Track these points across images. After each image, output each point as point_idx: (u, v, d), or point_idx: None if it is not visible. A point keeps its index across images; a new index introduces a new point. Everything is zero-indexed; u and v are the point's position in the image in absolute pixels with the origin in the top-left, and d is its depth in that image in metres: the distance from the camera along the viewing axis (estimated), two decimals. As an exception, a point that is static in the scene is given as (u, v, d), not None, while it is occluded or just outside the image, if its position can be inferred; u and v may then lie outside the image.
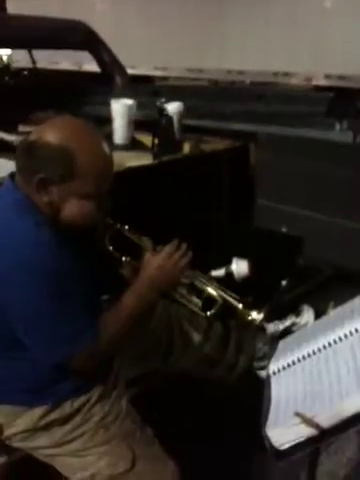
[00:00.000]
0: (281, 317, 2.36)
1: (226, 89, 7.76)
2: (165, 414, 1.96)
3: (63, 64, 8.50)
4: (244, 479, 2.00)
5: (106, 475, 1.48)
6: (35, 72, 4.74)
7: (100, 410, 1.48)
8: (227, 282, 2.01)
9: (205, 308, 1.66)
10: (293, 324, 2.34)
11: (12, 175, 1.40)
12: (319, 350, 1.34)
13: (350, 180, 4.86)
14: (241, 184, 2.87)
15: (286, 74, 7.34)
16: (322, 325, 1.46)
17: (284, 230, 2.68)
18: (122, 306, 1.45)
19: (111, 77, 3.78)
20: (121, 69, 3.87)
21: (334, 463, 2.06)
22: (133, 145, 2.53)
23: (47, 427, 1.46)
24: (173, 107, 2.51)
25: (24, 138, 1.39)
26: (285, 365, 1.38)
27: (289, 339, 1.56)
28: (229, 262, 2.30)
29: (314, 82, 7.17)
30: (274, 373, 1.38)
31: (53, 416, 1.45)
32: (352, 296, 1.48)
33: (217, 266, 2.29)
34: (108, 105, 2.52)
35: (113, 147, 2.32)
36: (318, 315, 2.34)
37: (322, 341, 1.35)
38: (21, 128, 2.53)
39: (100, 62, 3.87)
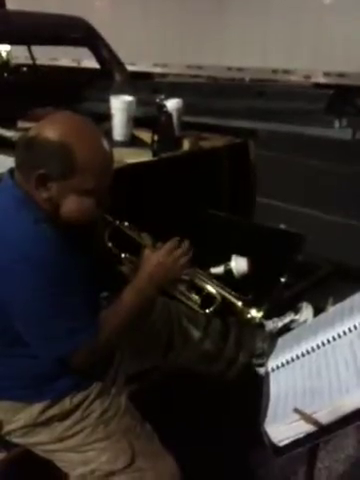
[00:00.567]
0: (280, 314, 2.36)
1: (226, 86, 7.77)
2: (164, 410, 1.97)
3: (62, 60, 8.50)
4: (243, 475, 2.01)
5: (106, 471, 1.48)
6: (34, 68, 4.73)
7: (99, 406, 1.49)
8: (226, 279, 2.01)
9: (204, 305, 1.66)
10: (292, 321, 2.34)
11: (11, 171, 1.40)
12: (318, 347, 1.34)
13: (349, 177, 4.87)
14: (240, 181, 2.87)
15: (285, 71, 7.35)
16: (321, 322, 1.46)
17: (283, 227, 2.67)
18: (121, 302, 1.45)
19: (110, 73, 3.77)
20: (120, 65, 3.87)
21: (333, 460, 2.07)
22: (132, 142, 2.52)
23: (47, 423, 1.46)
24: (173, 104, 2.51)
25: (23, 134, 1.38)
26: (284, 362, 1.38)
27: (288, 336, 1.57)
28: (228, 259, 2.30)
29: (313, 79, 7.18)
30: (273, 370, 1.39)
31: (53, 412, 1.45)
32: (351, 293, 1.48)
33: (216, 263, 2.30)
34: (107, 102, 2.51)
35: (112, 144, 2.32)
36: (317, 312, 2.34)
37: (321, 338, 1.35)
38: (20, 124, 2.53)
39: (99, 58, 3.86)
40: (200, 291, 1.66)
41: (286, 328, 2.20)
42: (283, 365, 1.38)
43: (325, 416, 1.10)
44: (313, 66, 7.01)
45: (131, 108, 2.51)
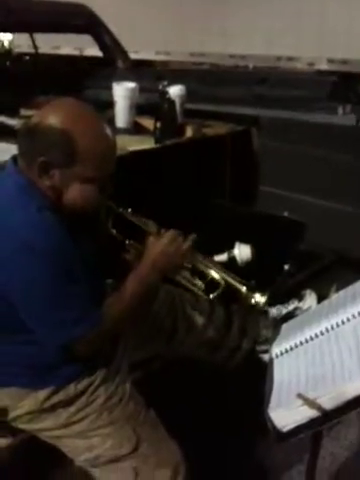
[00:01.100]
0: (284, 301, 2.37)
1: (228, 73, 7.72)
2: (168, 397, 1.98)
3: (65, 49, 8.45)
4: (247, 461, 2.01)
5: (110, 457, 1.49)
6: (36, 57, 4.71)
7: (104, 392, 1.49)
8: (230, 267, 2.01)
9: (208, 291, 1.66)
10: (296, 308, 2.35)
11: (14, 159, 1.40)
12: (322, 333, 1.35)
13: (353, 164, 4.85)
14: (243, 168, 2.87)
15: (289, 59, 7.30)
16: (325, 309, 1.46)
17: (286, 214, 2.67)
18: (125, 289, 1.45)
19: (113, 61, 3.76)
20: (123, 53, 3.85)
21: (336, 447, 2.07)
22: (135, 129, 2.52)
23: (52, 409, 1.46)
24: (175, 91, 2.50)
25: (25, 121, 1.38)
26: (288, 348, 1.39)
27: (292, 323, 1.57)
28: (232, 247, 2.29)
29: (317, 67, 7.13)
30: (277, 356, 1.40)
31: (58, 398, 1.46)
32: (354, 280, 1.48)
33: (220, 251, 2.29)
34: (110, 89, 2.51)
35: (115, 131, 2.32)
36: (321, 299, 2.34)
37: (325, 324, 1.36)
38: (23, 112, 2.52)
39: (102, 46, 3.84)
40: (204, 277, 1.66)
41: (290, 315, 2.21)
42: (287, 351, 1.38)
43: (328, 401, 1.11)
44: (317, 53, 6.97)
45: (134, 95, 2.50)
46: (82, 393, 1.47)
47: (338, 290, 1.53)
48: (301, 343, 1.37)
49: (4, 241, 1.29)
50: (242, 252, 2.25)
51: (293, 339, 1.40)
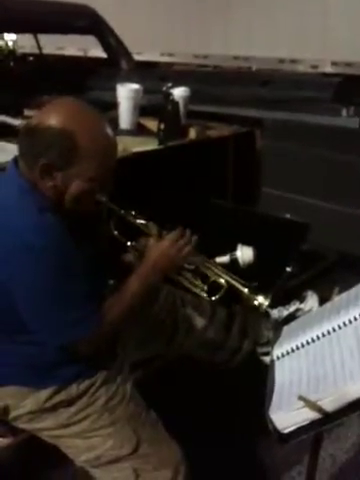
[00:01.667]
0: (285, 303, 2.36)
1: (232, 74, 7.72)
2: (169, 397, 1.98)
3: (69, 50, 8.46)
4: (247, 462, 2.02)
5: (111, 457, 1.49)
6: (40, 57, 4.72)
7: (105, 393, 1.49)
8: (232, 268, 2.01)
9: (210, 292, 1.66)
10: (297, 310, 2.34)
11: (15, 160, 1.40)
12: (323, 335, 1.34)
13: (356, 166, 4.85)
14: (246, 170, 2.87)
15: (292, 61, 7.29)
16: (327, 310, 1.46)
17: (288, 216, 2.67)
18: (125, 291, 1.45)
19: (117, 62, 3.76)
20: (127, 54, 3.86)
21: (337, 448, 2.07)
22: (139, 130, 2.52)
23: (53, 409, 1.47)
24: (179, 92, 2.49)
25: (26, 122, 1.38)
26: (289, 350, 1.38)
27: (293, 324, 1.57)
28: (234, 249, 2.29)
29: (321, 69, 7.12)
30: (278, 358, 1.39)
31: (59, 398, 1.46)
32: (357, 282, 1.48)
33: (222, 252, 2.29)
34: (114, 90, 2.51)
35: (118, 132, 2.32)
36: (323, 301, 2.34)
37: (326, 326, 1.35)
38: (26, 112, 2.52)
39: (106, 47, 3.85)
40: (206, 278, 1.66)
41: (291, 317, 2.20)
42: (288, 353, 1.38)
43: (330, 403, 1.11)
44: (320, 56, 6.96)
45: (137, 96, 2.50)
46: (83, 393, 1.47)
47: (340, 292, 1.53)
48: (302, 345, 1.37)
49: (6, 242, 1.30)
50: (244, 254, 2.24)
51: (294, 341, 1.40)
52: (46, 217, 1.32)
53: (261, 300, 1.61)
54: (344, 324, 1.32)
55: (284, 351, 1.39)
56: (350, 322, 1.31)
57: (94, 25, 3.82)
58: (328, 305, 1.53)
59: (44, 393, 1.45)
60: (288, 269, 2.34)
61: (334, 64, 6.90)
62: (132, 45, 4.01)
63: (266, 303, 1.61)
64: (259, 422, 1.21)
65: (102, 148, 1.35)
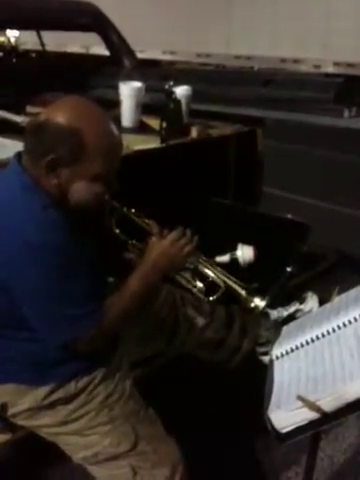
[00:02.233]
0: (285, 304, 2.37)
1: (234, 74, 7.72)
2: (168, 395, 1.98)
3: (71, 47, 8.47)
4: (245, 462, 2.02)
5: (109, 454, 1.49)
6: (43, 54, 4.72)
7: (104, 390, 1.49)
8: (232, 268, 2.01)
9: (209, 293, 1.66)
10: (297, 311, 2.35)
11: (18, 156, 1.40)
12: (323, 335, 1.35)
13: (357, 166, 4.84)
14: (248, 169, 2.87)
15: (295, 61, 7.30)
16: (326, 311, 1.46)
17: (289, 216, 2.67)
18: (126, 289, 1.45)
19: (120, 60, 3.75)
20: (130, 52, 3.85)
21: (334, 449, 2.08)
22: (141, 128, 2.52)
23: (51, 406, 1.47)
24: (181, 91, 2.49)
25: (33, 119, 1.38)
26: (288, 350, 1.39)
27: (293, 324, 1.57)
28: (234, 248, 2.30)
29: (323, 69, 7.12)
30: (277, 358, 1.39)
31: (57, 395, 1.46)
32: (357, 283, 1.48)
33: (222, 252, 2.30)
34: (116, 88, 2.51)
35: (121, 130, 2.32)
36: (322, 302, 2.34)
37: (326, 326, 1.36)
38: (29, 109, 2.52)
39: (108, 44, 3.84)
40: (204, 279, 1.66)
41: (291, 318, 2.20)
42: (287, 353, 1.38)
43: (328, 403, 1.11)
44: (323, 56, 6.96)
45: (140, 94, 2.50)
46: (82, 391, 1.47)
47: (340, 293, 1.53)
48: (302, 345, 1.37)
49: (9, 239, 1.30)
50: (245, 253, 2.25)
51: (294, 341, 1.40)
52: (49, 214, 1.31)
53: (257, 302, 1.62)
54: (344, 325, 1.32)
55: (283, 351, 1.40)
56: (350, 323, 1.31)
57: (97, 22, 3.81)
58: (328, 306, 1.53)
59: (42, 390, 1.45)
60: (288, 269, 2.34)
61: (336, 64, 6.90)
62: (134, 43, 4.00)
63: (262, 305, 1.61)
64: (258, 422, 1.21)
65: (108, 146, 1.35)
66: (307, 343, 1.36)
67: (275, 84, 6.51)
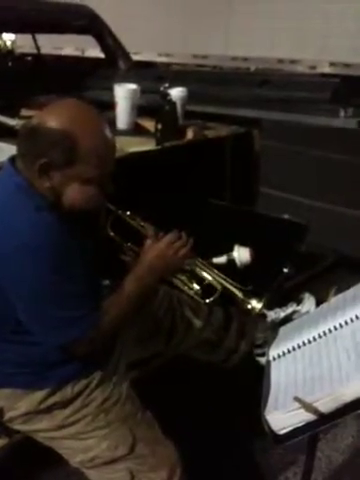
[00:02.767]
0: (282, 305, 2.36)
1: (230, 74, 7.72)
2: (165, 397, 1.98)
3: (66, 50, 8.46)
4: (242, 463, 2.01)
5: (106, 458, 1.49)
6: (38, 57, 4.71)
7: (101, 394, 1.49)
8: (229, 269, 2.01)
9: (205, 295, 1.66)
10: (294, 312, 2.34)
11: (12, 159, 1.40)
12: (320, 336, 1.34)
13: (354, 167, 4.84)
14: (244, 171, 2.86)
15: (291, 61, 7.29)
16: (323, 311, 1.46)
17: (286, 217, 2.67)
18: (122, 292, 1.45)
19: (115, 62, 3.75)
20: (125, 54, 3.85)
21: (332, 449, 2.07)
22: (136, 130, 2.51)
23: (48, 410, 1.46)
24: (177, 92, 2.49)
25: (26, 122, 1.38)
26: (285, 351, 1.38)
27: (290, 325, 1.57)
28: (231, 249, 2.29)
29: (319, 70, 7.12)
30: (274, 359, 1.39)
31: (54, 399, 1.45)
32: (354, 283, 1.48)
33: (219, 253, 2.29)
34: (111, 90, 2.50)
35: (116, 132, 2.31)
36: (319, 303, 2.34)
37: (323, 327, 1.35)
38: (23, 112, 2.51)
39: (104, 46, 3.84)
40: (201, 281, 1.66)
41: (288, 319, 2.20)
42: (284, 354, 1.38)
43: (325, 405, 1.11)
44: (319, 56, 6.96)
45: (135, 96, 2.49)
46: (78, 395, 1.47)
47: (337, 293, 1.53)
48: (299, 346, 1.37)
49: (4, 240, 1.29)
50: (241, 255, 2.25)
51: (291, 342, 1.39)
52: (43, 216, 1.31)
53: (254, 304, 1.62)
54: (340, 325, 1.32)
55: (280, 352, 1.39)
56: (346, 323, 1.31)
57: (92, 25, 3.80)
58: (325, 306, 1.53)
59: (39, 395, 1.44)
60: (285, 270, 2.34)
61: (332, 65, 6.90)
62: (130, 45, 4.00)
63: (259, 307, 1.61)
64: (255, 423, 1.21)
65: (101, 150, 1.34)
66: (304, 344, 1.36)
67: (271, 85, 6.50)
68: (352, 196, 4.18)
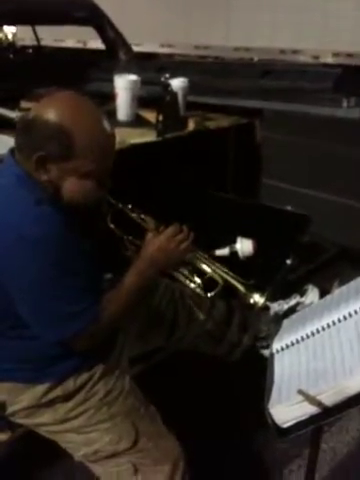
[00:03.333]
0: (286, 297, 2.35)
1: (232, 65, 7.68)
2: (168, 391, 1.97)
3: (68, 42, 8.44)
4: (246, 456, 2.01)
5: (109, 451, 1.49)
6: (39, 49, 4.70)
7: (103, 387, 1.48)
8: (232, 261, 2.00)
9: (207, 288, 1.65)
10: (298, 304, 2.33)
11: (12, 151, 1.38)
12: (323, 328, 1.33)
13: (357, 158, 4.82)
14: (246, 161, 2.85)
15: (293, 51, 7.26)
16: (327, 304, 1.44)
17: (289, 208, 2.65)
18: (123, 286, 1.44)
19: (116, 54, 3.73)
20: (126, 45, 3.82)
21: (337, 441, 2.07)
22: (137, 122, 2.49)
23: (50, 404, 1.46)
24: (178, 83, 2.47)
25: (24, 114, 1.36)
26: (289, 343, 1.37)
27: (293, 318, 1.55)
28: (233, 241, 2.28)
29: (322, 60, 7.09)
30: (278, 351, 1.38)
31: (56, 393, 1.45)
32: (357, 275, 1.46)
33: (221, 245, 2.28)
34: (112, 82, 2.48)
35: (116, 124, 2.30)
36: (323, 295, 2.32)
37: (326, 320, 1.34)
38: (23, 104, 2.50)
39: (104, 38, 3.81)
40: (203, 274, 1.64)
41: (292, 311, 2.19)
42: (288, 347, 1.37)
43: (329, 398, 1.10)
44: (321, 46, 6.93)
45: (136, 87, 2.47)
46: (81, 388, 1.47)
47: (340, 285, 1.51)
48: (302, 338, 1.36)
49: (4, 233, 1.28)
50: (244, 246, 2.23)
51: (294, 334, 1.38)
52: (43, 209, 1.30)
53: (256, 299, 1.60)
54: (344, 317, 1.30)
55: (284, 345, 1.38)
56: (350, 315, 1.30)
57: (93, 16, 3.78)
58: (328, 298, 1.51)
59: (40, 388, 1.44)
60: (288, 262, 2.33)
61: (335, 55, 6.87)
62: (131, 36, 3.98)
63: (261, 302, 1.60)
64: (258, 416, 1.20)
65: (99, 143, 1.33)
66: (307, 336, 1.35)
67: (273, 75, 6.46)
68: (355, 187, 4.16)
